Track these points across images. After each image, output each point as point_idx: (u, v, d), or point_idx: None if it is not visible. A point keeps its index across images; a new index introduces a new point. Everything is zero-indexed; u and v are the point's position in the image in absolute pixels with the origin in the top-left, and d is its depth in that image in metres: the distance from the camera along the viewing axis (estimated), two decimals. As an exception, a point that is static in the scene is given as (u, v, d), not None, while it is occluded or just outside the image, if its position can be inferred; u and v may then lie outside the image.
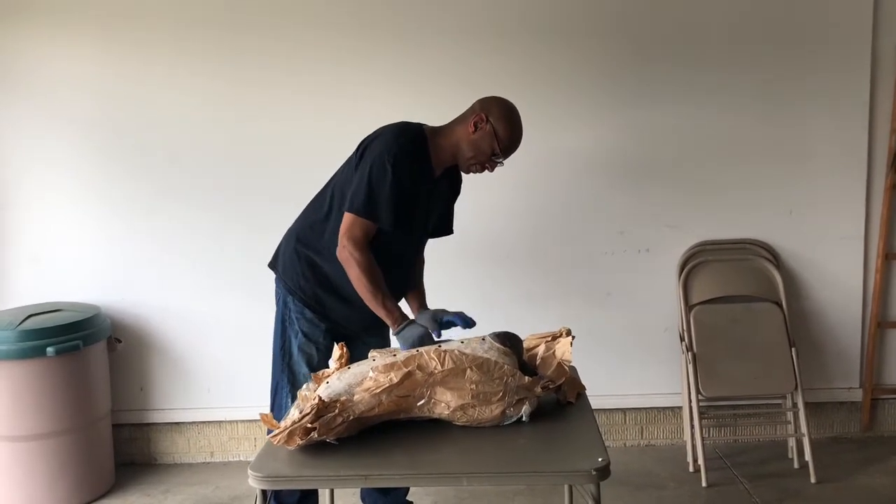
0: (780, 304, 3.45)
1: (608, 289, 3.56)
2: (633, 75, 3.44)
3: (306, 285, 2.49)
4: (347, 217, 2.33)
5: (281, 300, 2.56)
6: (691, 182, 3.50)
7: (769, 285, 3.47)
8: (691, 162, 3.49)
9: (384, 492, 2.71)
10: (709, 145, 3.48)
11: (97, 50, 3.43)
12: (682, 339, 3.47)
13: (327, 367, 2.43)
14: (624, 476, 3.32)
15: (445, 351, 1.95)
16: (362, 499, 2.83)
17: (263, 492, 1.76)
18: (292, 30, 3.40)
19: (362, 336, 2.54)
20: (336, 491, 2.65)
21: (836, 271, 3.54)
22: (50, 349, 3.08)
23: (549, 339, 2.20)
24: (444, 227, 2.67)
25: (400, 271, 2.54)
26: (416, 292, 2.65)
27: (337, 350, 2.13)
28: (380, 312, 2.32)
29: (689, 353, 3.38)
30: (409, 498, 2.81)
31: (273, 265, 2.61)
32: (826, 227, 3.52)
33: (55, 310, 3.31)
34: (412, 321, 2.33)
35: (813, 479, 3.23)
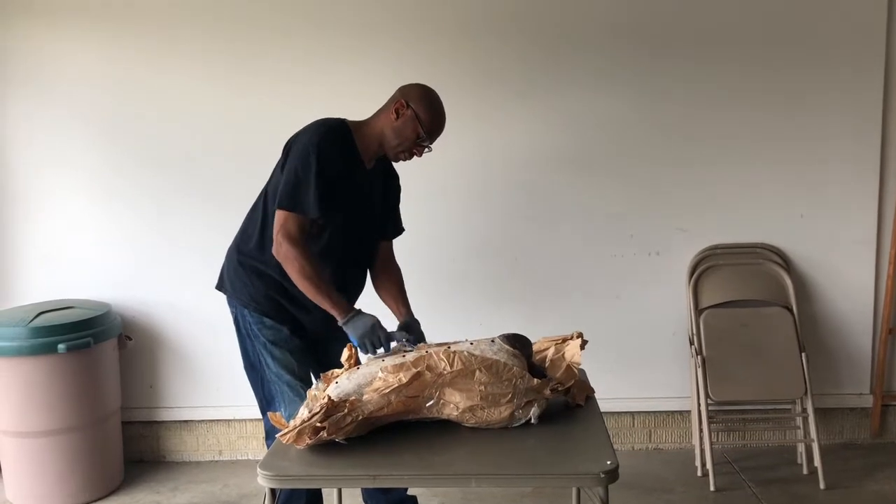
0: (790, 309, 3.43)
1: (617, 292, 3.55)
2: (647, 77, 3.43)
3: (257, 294, 2.47)
4: (279, 215, 2.32)
5: (239, 317, 2.52)
6: (702, 185, 3.49)
7: (780, 290, 3.46)
8: (702, 165, 3.48)
9: (385, 489, 2.71)
10: (720, 148, 3.47)
11: (109, 46, 3.44)
12: (691, 343, 3.46)
13: (307, 368, 2.44)
14: (632, 480, 3.31)
15: (455, 352, 1.96)
16: (364, 498, 2.83)
17: (272, 490, 1.77)
18: (309, 29, 3.42)
19: (328, 337, 2.47)
20: (343, 490, 2.65)
21: (847, 276, 3.53)
22: (61, 346, 3.09)
23: (560, 341, 2.20)
24: (395, 227, 2.66)
25: (356, 270, 2.55)
26: (398, 301, 2.59)
27: (346, 351, 2.13)
28: (325, 304, 2.29)
29: (699, 357, 3.37)
30: (415, 496, 2.80)
31: (220, 286, 2.60)
32: (838, 231, 3.50)
33: (66, 307, 3.33)
34: (359, 311, 2.30)
35: (822, 486, 3.22)
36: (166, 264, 3.55)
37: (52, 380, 3.14)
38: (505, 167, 3.42)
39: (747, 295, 3.46)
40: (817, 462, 3.26)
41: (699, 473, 3.38)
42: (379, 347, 2.23)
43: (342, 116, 2.48)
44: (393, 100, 2.45)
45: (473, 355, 1.96)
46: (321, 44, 3.42)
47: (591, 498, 1.77)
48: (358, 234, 2.51)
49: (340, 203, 2.37)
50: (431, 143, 2.45)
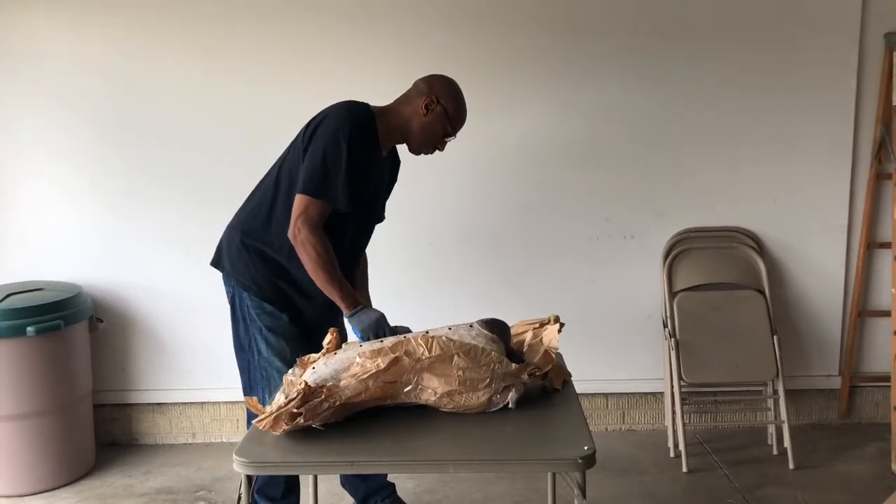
0: (762, 292, 3.47)
1: (592, 275, 3.57)
2: (619, 62, 3.42)
3: (260, 278, 2.40)
4: (301, 199, 2.25)
5: (236, 298, 2.46)
6: (677, 169, 3.51)
7: (753, 273, 3.49)
8: (677, 149, 3.49)
9: (363, 476, 2.70)
10: (695, 133, 3.48)
11: (82, 27, 3.37)
12: (665, 326, 3.49)
13: (299, 356, 2.40)
14: (605, 461, 3.34)
15: (433, 337, 1.95)
16: (342, 482, 2.83)
17: (248, 477, 1.75)
18: (291, 13, 3.37)
19: (325, 325, 2.41)
20: (320, 475, 2.65)
21: (819, 260, 3.57)
22: (30, 329, 3.04)
23: (537, 325, 2.20)
24: (383, 213, 2.62)
25: (352, 260, 2.51)
26: (360, 288, 2.56)
27: (329, 335, 2.11)
28: (335, 295, 2.25)
29: (672, 340, 3.40)
30: (391, 479, 2.81)
31: (217, 263, 2.52)
32: (810, 216, 3.54)
33: (36, 289, 3.27)
34: (366, 306, 2.28)
35: (791, 465, 3.27)
36: (138, 246, 3.50)
37: (21, 363, 3.09)
38: (477, 151, 3.39)
39: (721, 278, 3.49)
40: (787, 443, 3.32)
41: (672, 454, 3.41)
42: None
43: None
44: (419, 92, 2.39)
45: (452, 340, 1.95)
46: (320, 28, 3.37)
47: (567, 482, 1.78)
48: (365, 221, 2.48)
49: (362, 192, 2.33)
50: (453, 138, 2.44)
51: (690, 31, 3.41)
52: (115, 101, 3.42)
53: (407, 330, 2.23)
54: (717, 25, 3.41)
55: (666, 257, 3.51)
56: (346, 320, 2.31)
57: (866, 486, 3.12)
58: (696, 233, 3.54)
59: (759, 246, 3.54)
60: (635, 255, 3.56)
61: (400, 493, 2.84)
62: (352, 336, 2.33)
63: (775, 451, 3.42)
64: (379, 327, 2.21)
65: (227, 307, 3.39)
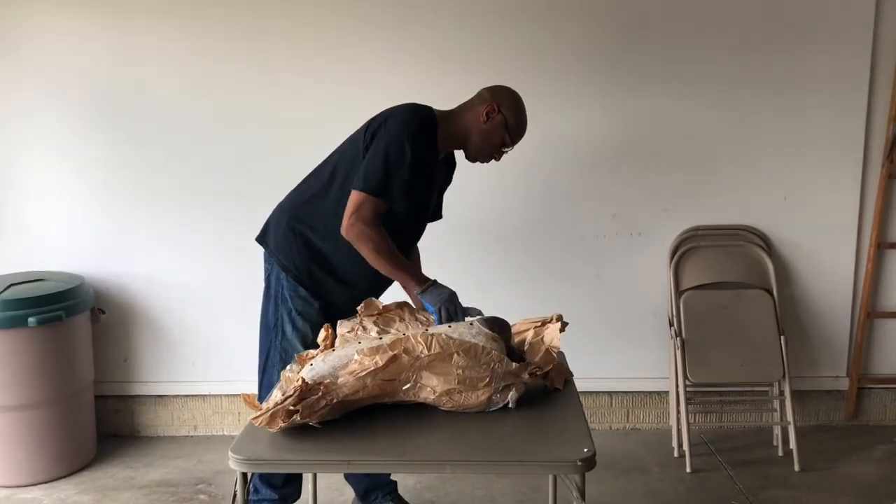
0: (770, 292, 3.43)
1: (598, 272, 3.54)
2: (628, 59, 3.38)
3: (301, 262, 2.44)
4: (357, 196, 2.28)
5: (273, 277, 2.50)
6: (685, 167, 3.46)
7: (760, 272, 3.45)
8: (686, 147, 3.45)
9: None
10: (704, 130, 3.43)
11: (87, 21, 3.34)
12: (671, 324, 3.46)
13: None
14: (609, 460, 3.31)
15: (432, 335, 1.92)
16: (346, 475, 2.82)
17: (244, 474, 1.73)
18: (289, 5, 3.34)
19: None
20: (319, 470, 2.63)
21: (828, 260, 3.52)
22: (31, 319, 3.03)
23: (539, 324, 2.17)
24: (438, 213, 2.67)
25: (406, 253, 2.54)
26: None
27: (322, 332, 2.09)
28: (402, 277, 2.30)
29: (678, 339, 3.36)
30: (394, 477, 2.80)
31: (262, 240, 2.56)
32: (820, 215, 3.49)
33: (37, 279, 3.26)
34: (436, 281, 2.29)
35: (797, 467, 3.24)
36: (141, 237, 3.49)
37: (22, 354, 3.08)
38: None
39: (728, 277, 3.45)
40: (793, 444, 3.28)
41: (676, 454, 3.39)
42: (455, 318, 2.20)
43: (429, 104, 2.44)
44: (481, 100, 2.42)
45: (451, 338, 1.92)
46: (301, 22, 3.34)
47: (568, 485, 1.75)
48: (417, 219, 2.52)
49: (419, 195, 2.38)
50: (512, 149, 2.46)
51: (699, 29, 3.36)
52: (117, 94, 3.39)
53: (479, 312, 2.26)
54: (727, 24, 3.35)
55: (673, 255, 3.48)
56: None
57: (873, 489, 3.08)
58: (704, 231, 3.50)
59: (767, 245, 3.50)
60: (642, 252, 3.52)
61: (401, 489, 2.83)
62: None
63: (781, 453, 3.39)
64: (451, 302, 2.22)
65: (232, 299, 3.45)
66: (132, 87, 3.39)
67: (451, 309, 2.21)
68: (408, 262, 2.33)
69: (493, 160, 2.49)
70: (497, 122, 2.38)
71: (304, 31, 3.35)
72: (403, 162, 2.27)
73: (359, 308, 2.26)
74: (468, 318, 2.15)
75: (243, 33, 3.35)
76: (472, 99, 2.45)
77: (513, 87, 2.48)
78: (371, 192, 2.27)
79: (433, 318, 2.22)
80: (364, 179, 2.28)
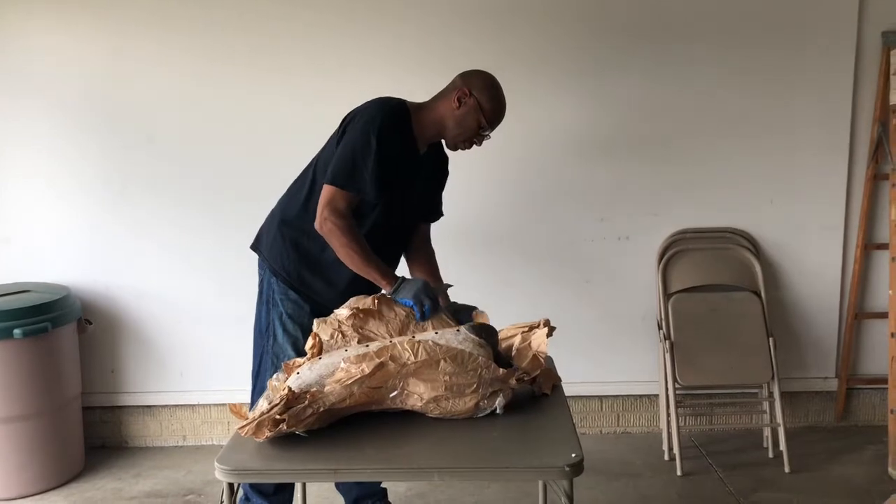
0: (758, 294, 3.44)
1: (587, 276, 3.54)
2: (614, 60, 3.39)
3: (290, 266, 2.45)
4: (328, 189, 2.29)
5: (265, 282, 2.51)
6: (672, 170, 3.47)
7: (748, 275, 3.46)
8: (672, 150, 3.46)
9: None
10: (690, 134, 3.45)
11: (74, 27, 3.33)
12: (659, 328, 3.46)
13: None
14: (599, 464, 3.31)
15: (419, 342, 1.92)
16: (336, 485, 2.81)
17: (230, 485, 1.72)
18: (280, 8, 3.33)
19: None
20: (308, 479, 2.62)
21: (815, 261, 3.53)
22: (17, 331, 3.01)
23: (527, 329, 2.17)
24: (435, 211, 2.65)
25: (394, 249, 2.55)
26: (432, 280, 2.56)
27: (310, 339, 2.08)
28: (372, 275, 2.26)
29: (667, 342, 3.37)
30: (383, 484, 2.79)
31: (256, 247, 2.57)
32: (807, 216, 3.50)
33: (23, 290, 3.24)
34: (404, 278, 2.27)
35: (787, 469, 3.24)
36: (128, 247, 3.47)
37: (8, 366, 3.05)
38: (468, 151, 3.35)
39: (716, 280, 3.46)
40: (783, 446, 3.28)
41: (666, 457, 3.38)
42: (435, 306, 2.17)
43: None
44: (453, 86, 2.41)
45: (438, 345, 1.92)
46: (294, 26, 3.33)
47: (555, 488, 1.74)
48: (401, 215, 2.49)
49: (391, 185, 2.35)
50: (492, 132, 2.44)
51: (684, 32, 3.37)
52: (104, 101, 3.38)
53: (472, 309, 2.28)
54: (712, 26, 3.37)
55: (661, 258, 3.48)
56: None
57: (863, 490, 3.09)
58: (692, 234, 3.51)
59: (754, 247, 3.51)
60: (630, 256, 3.52)
61: (391, 496, 2.82)
62: None
63: (771, 455, 3.39)
64: (426, 292, 2.19)
65: (219, 309, 3.43)
66: (120, 98, 3.38)
67: (430, 294, 2.18)
68: (378, 261, 2.28)
69: (474, 145, 2.46)
70: (470, 106, 2.36)
71: (296, 39, 3.34)
72: (369, 153, 2.27)
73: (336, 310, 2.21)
74: (456, 328, 2.12)
75: (244, 48, 3.35)
76: (446, 87, 2.45)
77: (488, 72, 2.43)
78: (340, 185, 2.28)
79: (413, 310, 2.16)
80: (332, 173, 2.30)
